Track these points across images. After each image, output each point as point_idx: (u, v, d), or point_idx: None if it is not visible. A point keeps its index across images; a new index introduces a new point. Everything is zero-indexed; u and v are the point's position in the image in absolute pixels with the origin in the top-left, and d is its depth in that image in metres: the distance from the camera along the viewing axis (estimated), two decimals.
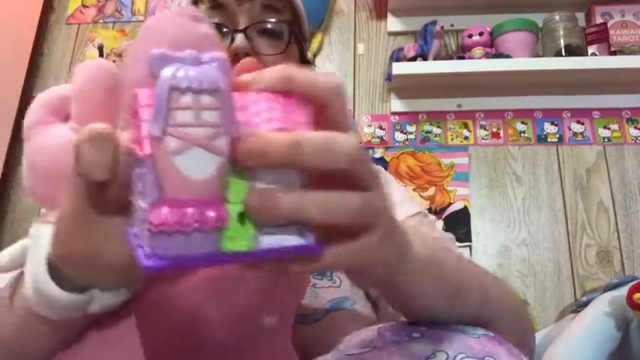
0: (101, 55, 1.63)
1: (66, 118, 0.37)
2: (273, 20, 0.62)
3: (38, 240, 0.33)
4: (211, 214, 0.24)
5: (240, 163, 0.25)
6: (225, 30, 0.61)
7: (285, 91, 0.27)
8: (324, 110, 0.28)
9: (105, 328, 0.39)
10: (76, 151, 0.27)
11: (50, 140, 0.35)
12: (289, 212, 0.25)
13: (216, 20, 0.61)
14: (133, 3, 1.69)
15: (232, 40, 0.60)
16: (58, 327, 0.37)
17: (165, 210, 0.23)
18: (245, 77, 0.27)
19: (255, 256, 0.25)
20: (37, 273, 0.32)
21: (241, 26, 0.61)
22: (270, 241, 0.25)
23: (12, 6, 1.56)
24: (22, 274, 0.36)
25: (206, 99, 0.23)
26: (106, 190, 0.28)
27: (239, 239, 0.25)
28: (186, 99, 0.23)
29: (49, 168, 0.35)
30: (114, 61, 1.62)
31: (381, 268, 0.30)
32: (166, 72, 0.23)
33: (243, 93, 0.27)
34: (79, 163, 0.27)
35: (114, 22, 1.67)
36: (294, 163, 0.25)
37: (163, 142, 0.23)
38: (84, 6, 1.71)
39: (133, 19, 1.67)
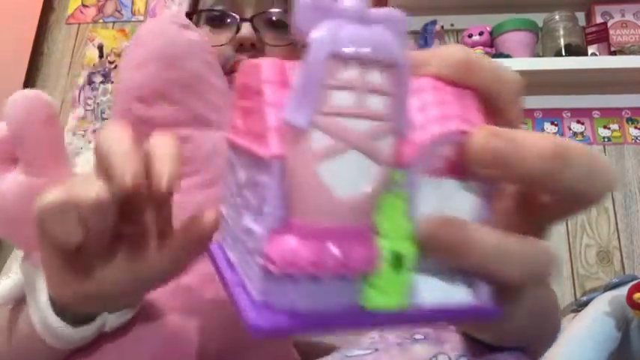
0: (101, 55, 1.63)
1: (14, 161, 0.33)
2: (281, 10, 0.60)
3: (35, 287, 0.32)
4: (358, 252, 0.16)
5: (463, 173, 0.17)
6: (230, 18, 0.59)
7: (451, 82, 0.20)
8: (500, 114, 0.21)
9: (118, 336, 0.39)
10: (38, 223, 0.24)
11: (8, 188, 0.33)
12: (482, 265, 0.18)
13: (221, 8, 0.60)
14: (133, 3, 1.69)
15: (238, 29, 0.58)
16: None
17: (294, 242, 0.15)
18: (414, 55, 0.20)
19: (409, 318, 0.18)
20: (44, 318, 0.32)
21: (247, 15, 0.59)
22: (431, 297, 0.18)
23: (12, 6, 1.56)
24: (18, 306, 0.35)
25: (376, 76, 0.15)
26: (85, 243, 0.24)
27: (392, 292, 0.17)
28: (351, 73, 0.15)
29: (17, 213, 0.32)
30: (114, 61, 1.62)
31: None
32: (321, 31, 0.15)
33: None
34: (44, 236, 0.24)
35: (114, 22, 1.67)
36: (548, 185, 0.17)
37: (306, 138, 0.15)
38: (84, 6, 1.70)
39: (132, 19, 1.67)
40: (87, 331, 0.33)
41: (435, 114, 0.18)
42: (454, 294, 0.18)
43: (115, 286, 0.27)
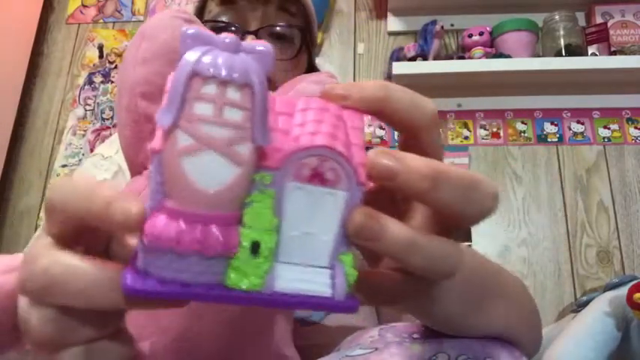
0: (101, 55, 1.63)
1: None
2: (286, 25, 0.59)
3: None
4: (218, 236, 0.19)
5: (358, 179, 0.20)
6: (234, 30, 0.58)
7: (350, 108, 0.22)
8: (415, 142, 0.24)
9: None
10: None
11: None
12: (393, 250, 0.20)
13: (225, 19, 0.59)
14: (132, 3, 1.69)
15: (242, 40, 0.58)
16: None
17: (162, 221, 0.19)
18: (334, 88, 0.23)
19: (263, 299, 0.20)
20: None
21: (252, 28, 0.58)
22: (288, 284, 0.20)
23: (12, 6, 1.56)
24: None
25: (233, 94, 0.19)
26: None
27: (248, 274, 0.20)
28: (209, 89, 0.19)
29: None
30: (114, 61, 1.62)
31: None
32: (191, 54, 0.19)
33: (291, 97, 0.22)
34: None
35: (114, 22, 1.67)
36: (425, 199, 0.21)
37: (173, 137, 0.19)
38: (84, 6, 1.70)
39: (132, 19, 1.67)
40: None
41: (308, 130, 0.21)
42: (314, 286, 0.21)
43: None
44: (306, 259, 0.21)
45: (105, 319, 0.24)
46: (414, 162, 0.20)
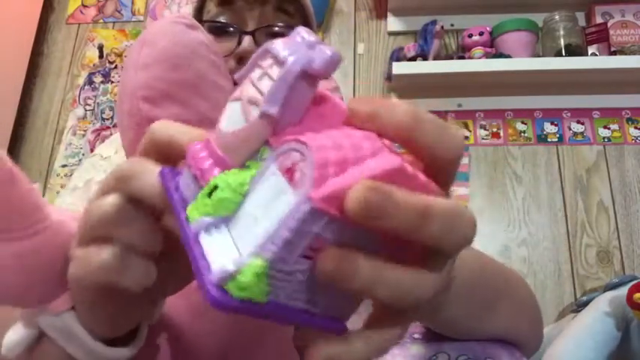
0: (101, 55, 1.63)
1: None
2: (283, 25, 0.60)
3: (71, 333, 0.31)
4: (204, 163, 0.23)
5: (343, 214, 0.19)
6: (232, 30, 0.59)
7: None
8: (436, 171, 0.22)
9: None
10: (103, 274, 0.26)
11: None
12: (360, 287, 0.20)
13: (223, 19, 0.59)
14: (133, 3, 1.69)
15: (239, 41, 0.57)
16: None
17: (200, 145, 0.24)
18: (361, 105, 0.22)
19: (183, 235, 0.22)
20: (98, 354, 0.31)
21: (250, 28, 0.58)
22: (208, 240, 0.22)
23: (12, 6, 1.56)
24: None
25: (274, 69, 0.21)
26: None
27: (197, 209, 0.22)
28: (266, 61, 0.22)
29: (16, 283, 0.30)
30: (114, 61, 1.62)
31: (419, 316, 0.27)
32: (279, 42, 0.22)
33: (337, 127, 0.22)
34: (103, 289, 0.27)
35: (114, 22, 1.67)
36: (415, 235, 0.19)
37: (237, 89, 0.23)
38: (84, 6, 1.70)
39: (133, 19, 1.67)
40: (137, 346, 0.33)
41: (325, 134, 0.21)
42: (218, 257, 0.21)
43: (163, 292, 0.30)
44: (239, 238, 0.21)
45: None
46: (404, 198, 0.19)
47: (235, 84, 0.55)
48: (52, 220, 0.29)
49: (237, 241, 0.21)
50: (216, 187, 0.22)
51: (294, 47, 0.21)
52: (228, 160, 0.22)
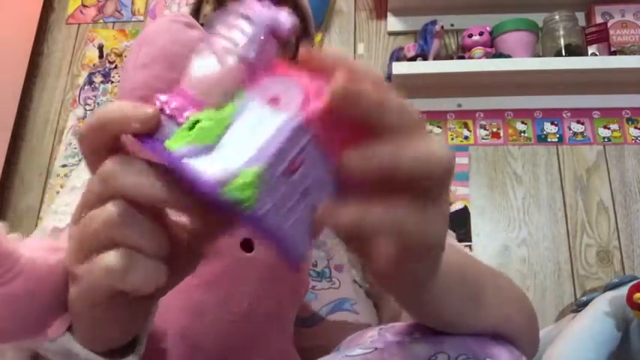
0: (101, 55, 1.63)
1: None
2: None
3: (72, 354, 0.31)
4: (174, 103, 0.25)
5: (331, 91, 0.22)
6: None
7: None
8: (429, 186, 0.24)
9: None
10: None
11: None
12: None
13: None
14: (132, 3, 1.69)
15: None
16: None
17: (169, 94, 0.26)
18: (314, 50, 0.24)
19: (170, 159, 0.24)
20: None
21: None
22: (192, 162, 0.23)
23: (12, 6, 1.56)
24: None
25: (243, 24, 0.26)
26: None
27: (177, 140, 0.24)
28: (232, 18, 0.26)
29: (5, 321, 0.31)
30: (114, 61, 1.62)
31: (410, 283, 0.28)
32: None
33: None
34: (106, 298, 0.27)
35: (114, 22, 1.67)
36: (377, 120, 0.23)
37: (200, 47, 0.26)
38: (84, 6, 1.70)
39: (133, 19, 1.67)
40: (138, 353, 0.33)
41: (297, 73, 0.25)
42: (208, 168, 0.23)
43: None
44: (225, 158, 0.23)
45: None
46: (368, 90, 0.23)
47: None
48: (25, 260, 0.29)
49: (224, 162, 0.23)
50: (197, 122, 0.24)
51: (259, 7, 0.26)
52: (205, 101, 0.25)
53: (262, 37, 0.26)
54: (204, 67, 0.26)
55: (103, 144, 0.26)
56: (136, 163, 0.25)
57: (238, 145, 0.23)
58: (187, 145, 0.23)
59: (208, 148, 0.23)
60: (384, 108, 0.23)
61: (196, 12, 0.66)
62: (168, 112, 0.25)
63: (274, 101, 0.24)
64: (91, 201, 0.26)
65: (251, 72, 0.25)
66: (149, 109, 0.25)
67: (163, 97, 0.26)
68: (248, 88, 0.25)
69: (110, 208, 0.25)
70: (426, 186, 0.23)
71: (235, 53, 0.25)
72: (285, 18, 0.26)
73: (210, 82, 0.25)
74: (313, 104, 0.23)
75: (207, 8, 0.63)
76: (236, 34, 0.26)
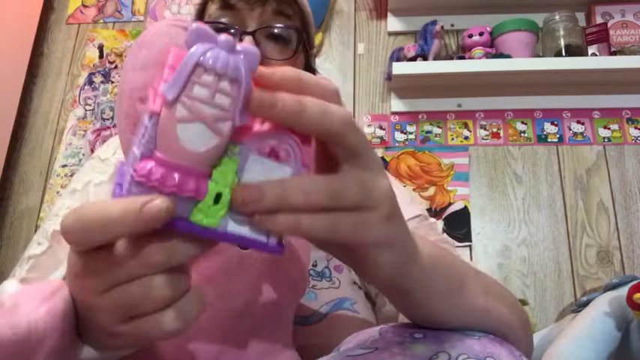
0: (101, 55, 1.63)
1: None
2: (282, 26, 0.62)
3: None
4: (191, 184, 0.25)
5: (251, 110, 0.25)
6: (233, 31, 0.61)
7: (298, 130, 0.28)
8: (330, 143, 0.28)
9: None
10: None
11: None
12: (273, 204, 0.26)
13: (225, 20, 0.62)
14: (133, 3, 1.69)
15: (240, 41, 0.59)
16: None
17: (151, 166, 0.25)
18: (265, 70, 0.27)
19: (216, 235, 0.26)
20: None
21: (250, 29, 0.61)
22: (236, 228, 0.27)
23: (12, 6, 1.56)
24: None
25: (225, 85, 0.25)
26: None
27: (208, 215, 0.26)
28: (208, 78, 0.24)
29: None
30: (114, 61, 1.62)
31: (388, 266, 0.30)
32: (199, 47, 0.25)
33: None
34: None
35: (114, 22, 1.67)
36: (296, 122, 0.26)
37: (173, 108, 0.24)
38: (84, 6, 1.70)
39: (133, 19, 1.67)
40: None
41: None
42: (253, 234, 0.27)
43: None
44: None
45: None
46: (284, 94, 0.26)
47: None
48: (4, 310, 0.31)
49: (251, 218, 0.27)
50: (219, 194, 0.26)
51: (226, 57, 0.25)
52: (204, 170, 0.26)
53: (245, 92, 0.25)
54: (195, 136, 0.25)
55: (101, 242, 0.27)
56: (168, 242, 0.27)
57: None
58: (225, 216, 0.26)
59: (236, 212, 0.26)
60: (304, 112, 0.26)
61: (201, 12, 0.67)
62: (174, 190, 0.25)
63: (273, 153, 0.27)
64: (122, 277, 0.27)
65: (240, 126, 0.26)
66: (159, 211, 0.25)
67: (158, 172, 0.25)
68: (238, 143, 0.27)
69: (158, 281, 0.27)
70: (340, 143, 0.27)
71: (227, 119, 0.25)
72: (254, 51, 0.26)
73: (209, 153, 0.25)
74: (306, 153, 0.28)
75: (212, 8, 0.64)
76: (220, 97, 0.25)
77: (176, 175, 0.25)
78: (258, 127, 0.27)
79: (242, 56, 0.25)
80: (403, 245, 0.30)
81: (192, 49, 0.25)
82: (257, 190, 0.26)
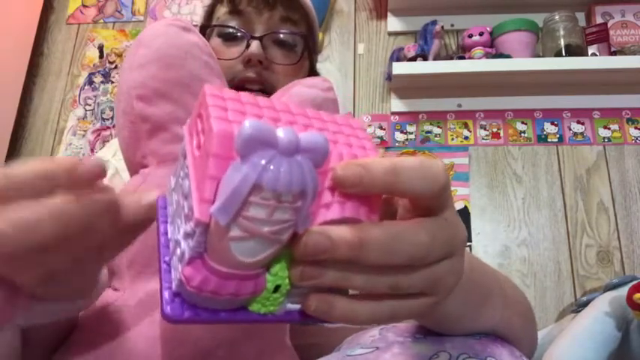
0: (101, 55, 1.63)
1: None
2: (289, 32, 0.64)
3: None
4: (249, 287, 0.23)
5: (301, 256, 0.23)
6: (240, 34, 0.63)
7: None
8: (428, 203, 0.25)
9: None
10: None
11: None
12: (341, 317, 0.25)
13: (233, 24, 0.63)
14: (133, 3, 1.69)
15: (247, 45, 0.61)
16: None
17: (203, 275, 0.22)
18: (345, 173, 0.23)
19: (276, 319, 0.26)
20: None
21: (258, 34, 0.62)
22: (293, 307, 0.26)
23: (12, 6, 1.56)
24: None
25: (286, 198, 0.21)
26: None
27: (267, 304, 0.25)
28: (267, 197, 0.20)
29: None
30: (114, 61, 1.62)
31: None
32: (256, 165, 0.20)
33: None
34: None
35: (114, 22, 1.67)
36: (358, 261, 0.23)
37: (227, 228, 0.21)
38: (84, 6, 1.70)
39: (133, 19, 1.67)
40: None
41: (336, 211, 0.24)
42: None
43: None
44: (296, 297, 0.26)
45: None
46: (374, 164, 0.23)
47: (237, 88, 0.58)
48: None
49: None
50: (278, 286, 0.24)
51: (288, 171, 0.20)
52: (260, 271, 0.24)
53: (311, 199, 0.22)
54: (251, 250, 0.22)
55: None
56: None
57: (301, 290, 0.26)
58: (284, 302, 0.25)
59: (285, 294, 0.25)
60: (397, 174, 0.24)
61: (210, 14, 0.68)
62: (231, 297, 0.23)
63: None
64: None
65: None
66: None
67: (211, 283, 0.22)
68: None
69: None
70: (428, 203, 0.25)
71: (289, 228, 0.22)
72: (320, 144, 0.21)
73: (267, 259, 0.23)
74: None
75: (220, 11, 0.65)
76: (281, 214, 0.21)
77: (231, 284, 0.22)
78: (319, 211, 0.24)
79: (307, 156, 0.21)
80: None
81: (246, 171, 0.20)
82: (329, 304, 0.25)
